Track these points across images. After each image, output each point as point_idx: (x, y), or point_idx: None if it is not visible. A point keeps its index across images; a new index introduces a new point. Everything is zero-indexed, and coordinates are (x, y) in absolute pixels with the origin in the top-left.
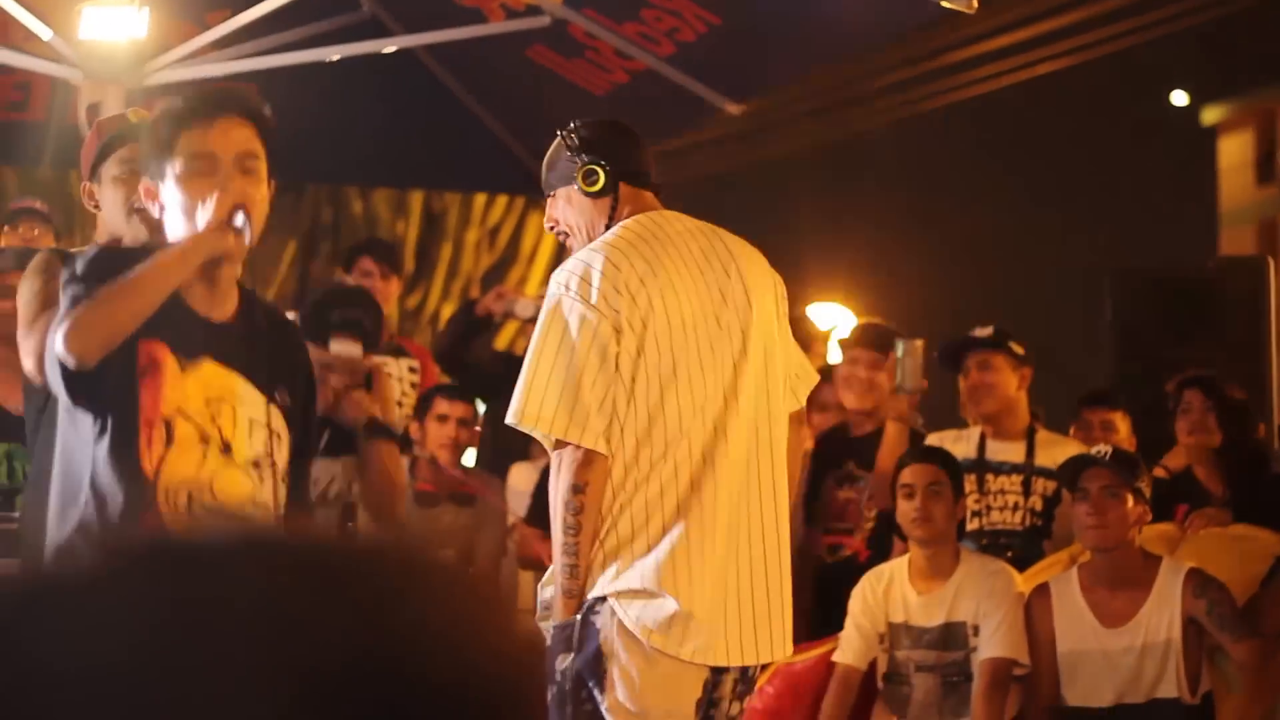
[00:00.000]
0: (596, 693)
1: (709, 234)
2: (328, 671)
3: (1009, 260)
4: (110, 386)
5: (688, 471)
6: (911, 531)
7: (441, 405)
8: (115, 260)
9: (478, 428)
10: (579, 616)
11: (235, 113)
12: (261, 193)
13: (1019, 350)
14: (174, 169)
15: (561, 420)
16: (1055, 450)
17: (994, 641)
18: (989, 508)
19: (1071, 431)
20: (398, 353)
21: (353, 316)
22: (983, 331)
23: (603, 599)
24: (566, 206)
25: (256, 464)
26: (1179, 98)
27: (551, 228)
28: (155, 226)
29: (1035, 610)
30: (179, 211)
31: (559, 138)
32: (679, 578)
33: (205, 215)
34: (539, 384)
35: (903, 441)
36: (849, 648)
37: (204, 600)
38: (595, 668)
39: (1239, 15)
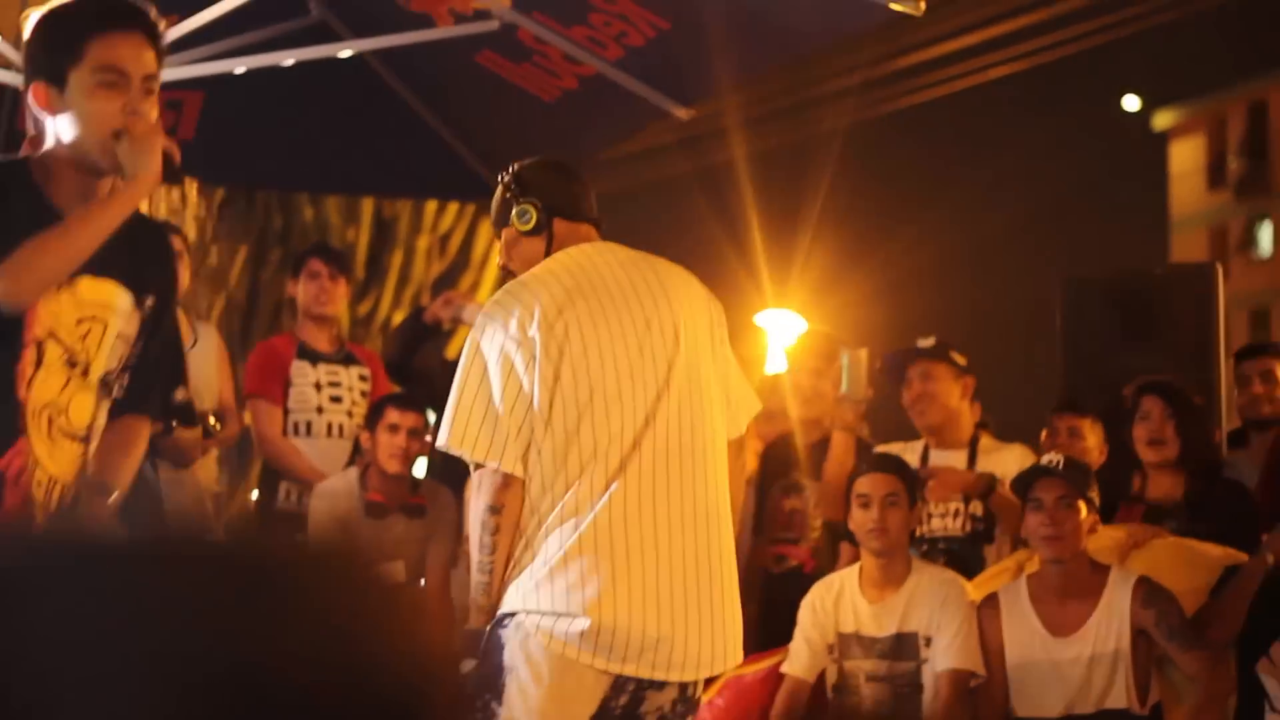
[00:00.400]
0: (494, 704)
1: (640, 264)
2: (212, 674)
3: (961, 266)
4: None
5: (603, 494)
6: (867, 542)
7: (392, 415)
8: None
9: (428, 438)
10: (487, 629)
11: (142, 31)
12: (157, 118)
13: (961, 360)
14: (79, 76)
15: (482, 444)
16: (996, 457)
17: (951, 653)
18: (930, 515)
19: (1042, 438)
20: (348, 360)
21: None
22: (925, 342)
23: (511, 614)
24: (511, 245)
25: (105, 380)
26: (1131, 102)
27: (503, 265)
28: (39, 135)
29: (985, 620)
30: (80, 120)
31: (499, 181)
32: (587, 597)
33: (107, 134)
34: (463, 409)
35: (849, 450)
36: (797, 660)
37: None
38: (494, 681)
39: (1191, 20)
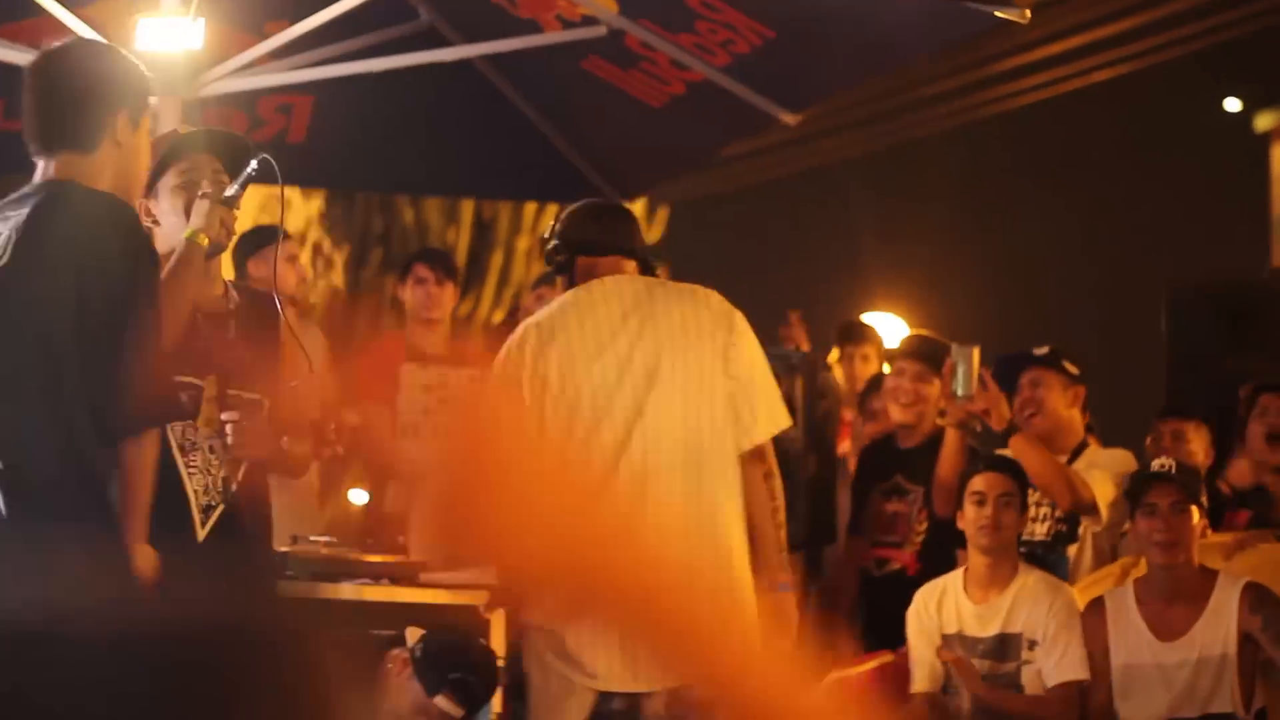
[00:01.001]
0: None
1: (641, 293)
2: None
3: (1063, 270)
4: None
5: None
6: (978, 539)
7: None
8: None
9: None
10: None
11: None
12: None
13: (1073, 370)
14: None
15: None
16: (1096, 459)
17: (1065, 664)
18: (1030, 520)
19: (1147, 443)
20: (458, 362)
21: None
22: (1040, 350)
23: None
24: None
25: None
26: (1232, 104)
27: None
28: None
29: (1089, 624)
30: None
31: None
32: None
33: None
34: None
35: (961, 449)
36: (919, 675)
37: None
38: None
39: None
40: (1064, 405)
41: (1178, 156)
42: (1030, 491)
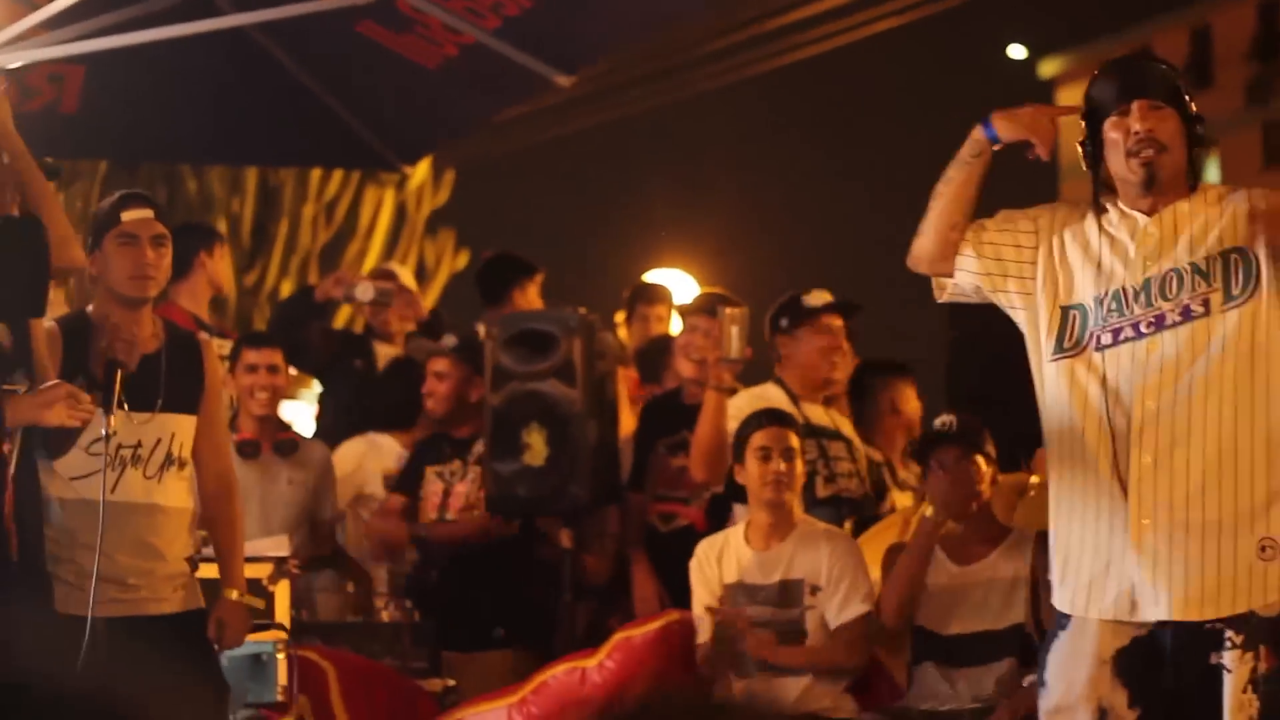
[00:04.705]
0: None
1: None
2: None
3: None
4: None
5: None
6: (763, 494)
7: (250, 355)
8: None
9: (290, 372)
10: None
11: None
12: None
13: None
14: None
15: None
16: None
17: (848, 604)
18: (834, 475)
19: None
20: (221, 334)
21: None
22: (820, 298)
23: None
24: None
25: None
26: (1016, 51)
27: None
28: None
29: (892, 561)
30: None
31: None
32: None
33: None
34: None
35: (722, 411)
36: (704, 627)
37: None
38: None
39: None
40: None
41: (961, 105)
42: (829, 444)
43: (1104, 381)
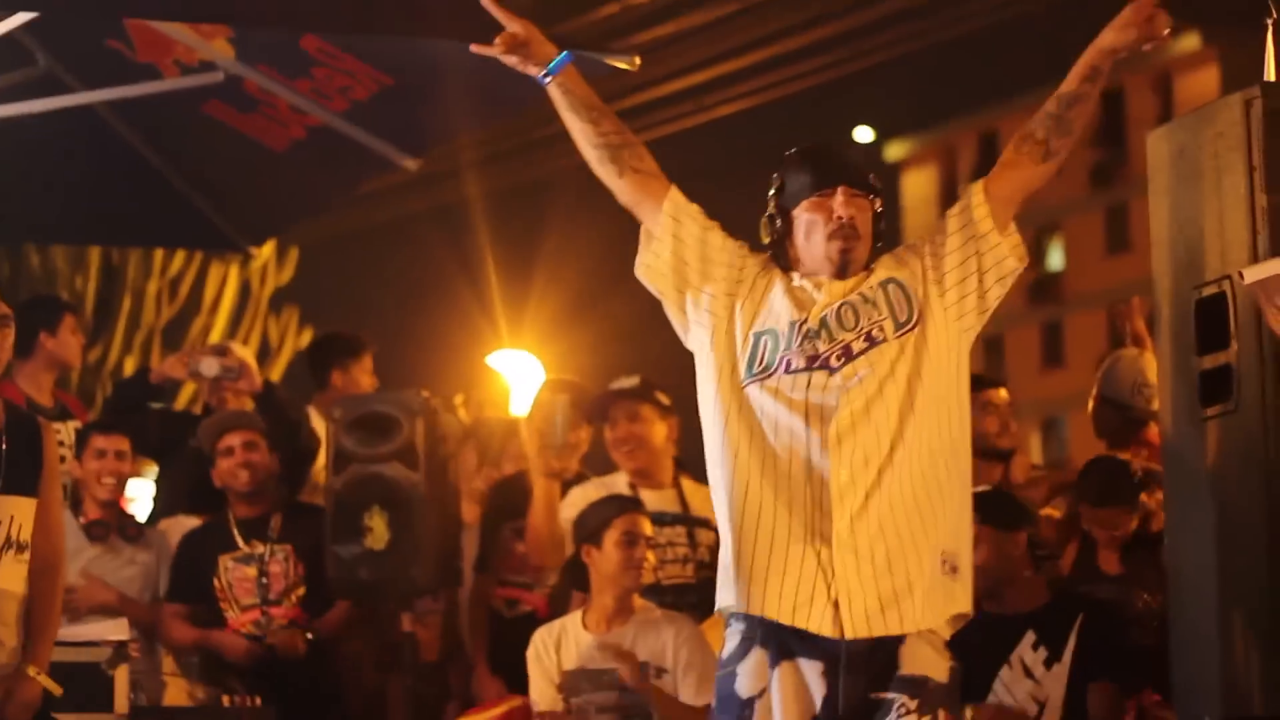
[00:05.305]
0: None
1: None
2: None
3: None
4: None
5: None
6: (623, 579)
7: (98, 441)
8: None
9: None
10: None
11: None
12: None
13: (665, 401)
14: None
15: None
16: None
17: (704, 692)
18: (662, 561)
19: None
20: (64, 415)
21: None
22: (627, 383)
23: None
24: None
25: None
26: (864, 134)
27: None
28: None
29: None
30: None
31: None
32: None
33: None
34: None
35: (552, 496)
36: (544, 697)
37: None
38: None
39: (920, 53)
40: (661, 437)
41: None
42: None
43: (793, 405)
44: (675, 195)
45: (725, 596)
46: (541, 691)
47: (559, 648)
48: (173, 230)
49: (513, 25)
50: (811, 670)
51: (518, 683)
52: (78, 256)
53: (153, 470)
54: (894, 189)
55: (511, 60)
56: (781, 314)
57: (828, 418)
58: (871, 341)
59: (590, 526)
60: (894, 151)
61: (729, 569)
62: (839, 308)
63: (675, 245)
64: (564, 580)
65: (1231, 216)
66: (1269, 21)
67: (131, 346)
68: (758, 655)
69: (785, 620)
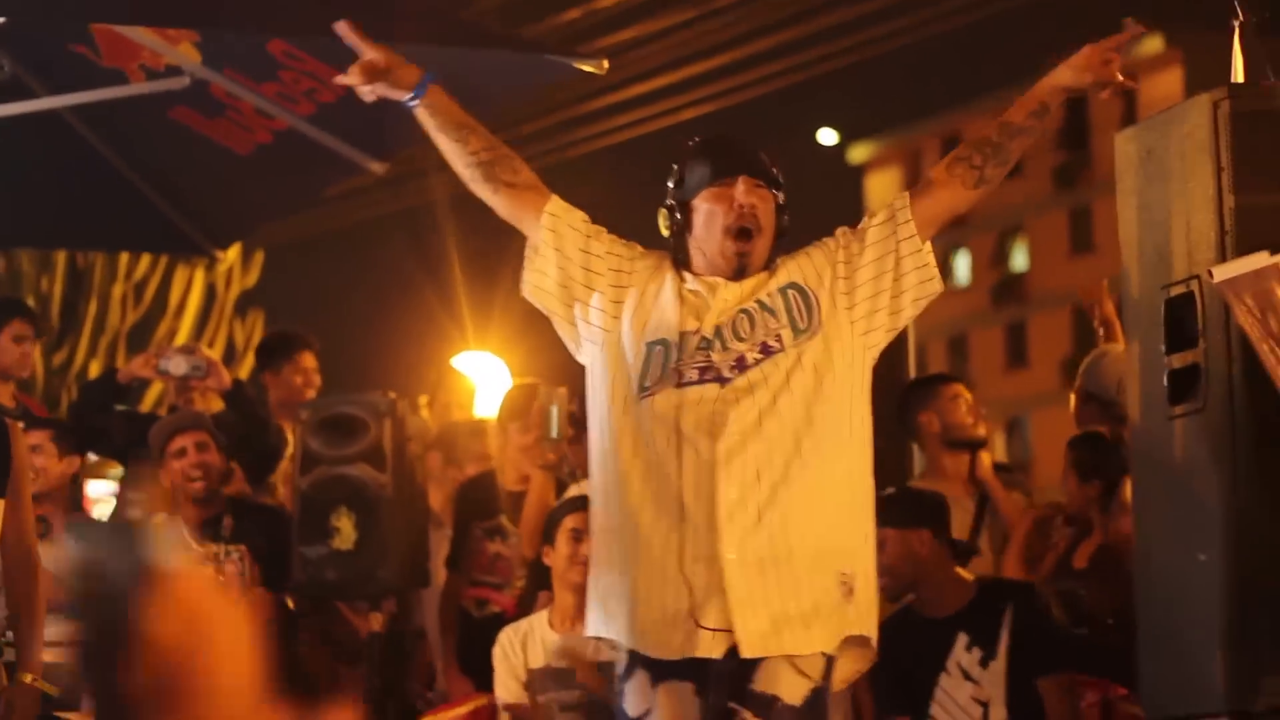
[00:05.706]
0: None
1: None
2: None
3: None
4: None
5: None
6: (569, 575)
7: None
8: None
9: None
10: None
11: None
12: None
13: None
14: None
15: None
16: None
17: None
18: None
19: None
20: (26, 418)
21: None
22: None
23: None
24: None
25: None
26: (827, 136)
27: None
28: None
29: None
30: None
31: None
32: None
33: None
34: None
35: (547, 489)
36: (509, 692)
37: None
38: None
39: (884, 56)
40: None
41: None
42: None
43: (684, 420)
44: (554, 205)
45: (595, 623)
46: (507, 687)
47: (525, 646)
48: (138, 234)
49: (370, 53)
50: (685, 690)
51: (486, 682)
52: (44, 260)
53: (117, 472)
54: (858, 191)
55: (372, 88)
56: (674, 323)
57: (718, 433)
58: (767, 352)
59: (547, 526)
60: (858, 154)
61: (602, 591)
62: (735, 316)
63: (558, 259)
64: (530, 581)
65: (1199, 217)
66: (1236, 24)
67: (97, 350)
68: (640, 676)
69: (653, 654)
